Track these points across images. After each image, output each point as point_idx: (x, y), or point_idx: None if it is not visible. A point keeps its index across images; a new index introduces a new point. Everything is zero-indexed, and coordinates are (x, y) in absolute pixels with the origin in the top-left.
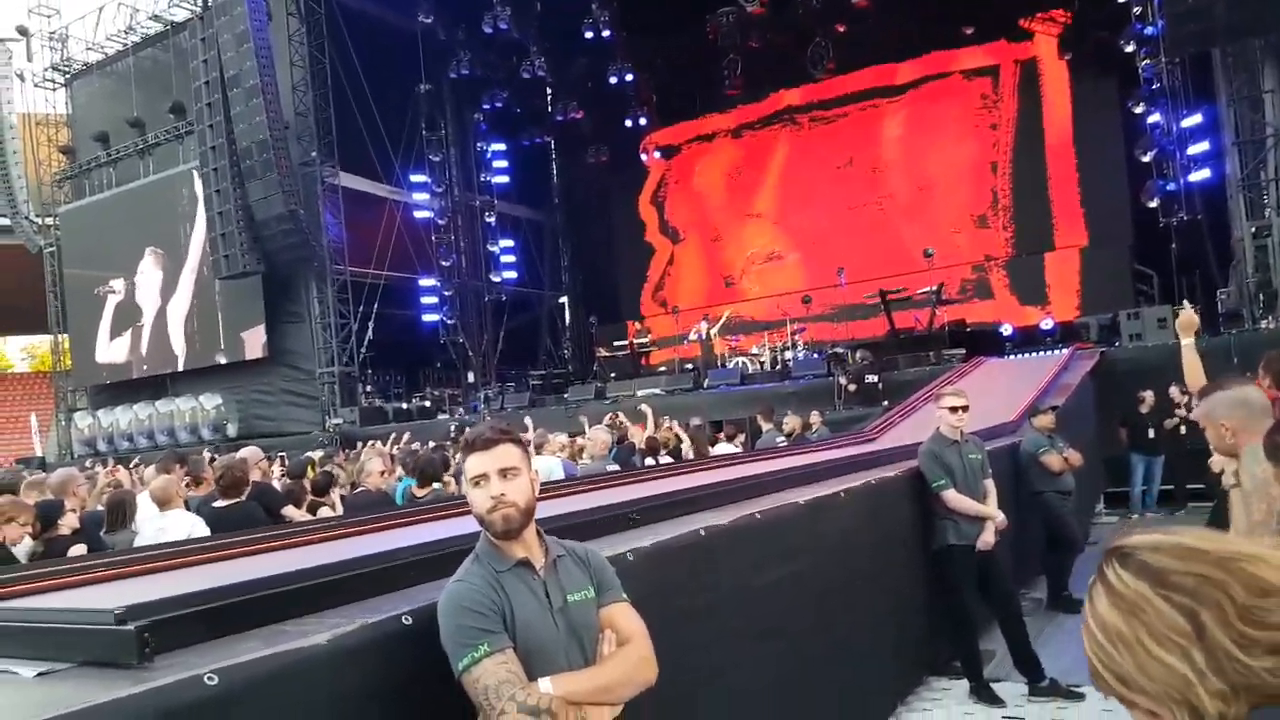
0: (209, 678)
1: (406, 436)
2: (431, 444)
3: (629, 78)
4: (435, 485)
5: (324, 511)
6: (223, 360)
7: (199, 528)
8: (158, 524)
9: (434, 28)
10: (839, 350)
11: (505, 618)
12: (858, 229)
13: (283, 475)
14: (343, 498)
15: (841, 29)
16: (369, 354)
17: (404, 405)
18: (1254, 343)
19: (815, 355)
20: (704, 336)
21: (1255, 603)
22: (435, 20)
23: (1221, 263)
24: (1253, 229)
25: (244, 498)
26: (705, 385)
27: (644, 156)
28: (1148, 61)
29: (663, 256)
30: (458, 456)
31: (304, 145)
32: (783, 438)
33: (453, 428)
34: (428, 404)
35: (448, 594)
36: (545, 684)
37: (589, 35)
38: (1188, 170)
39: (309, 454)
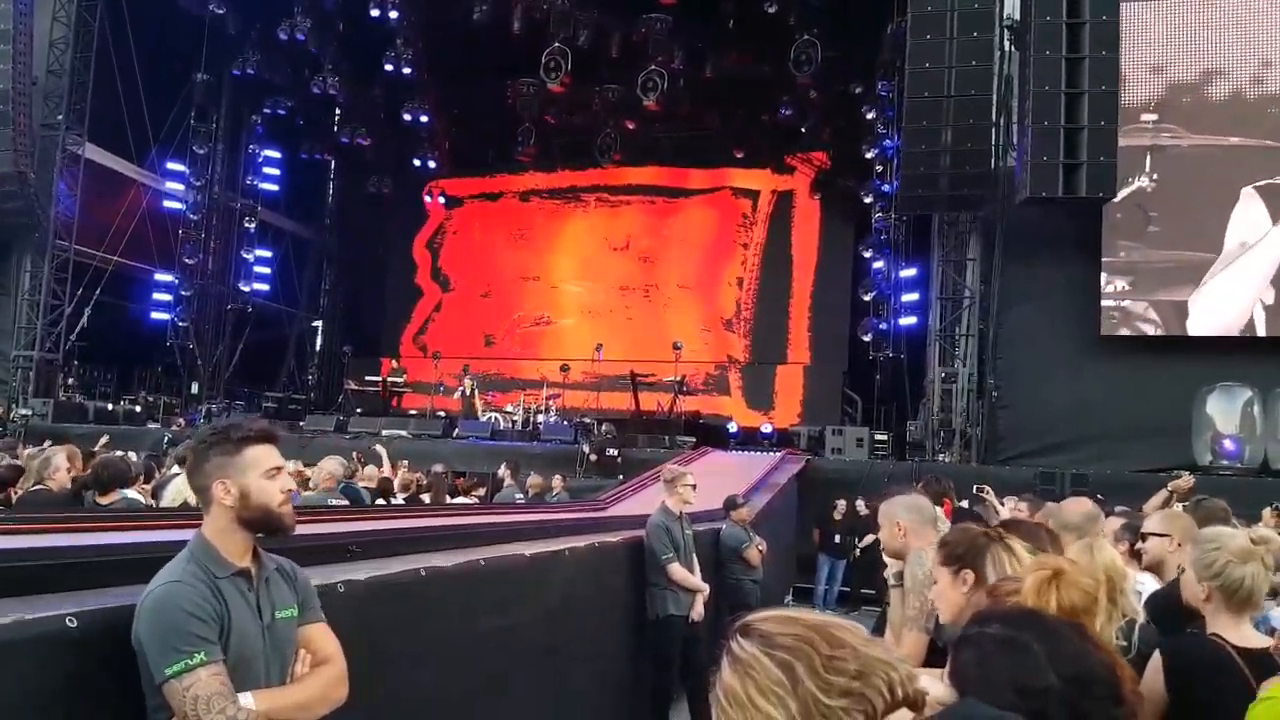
0: None
1: (104, 440)
2: (145, 454)
3: (424, 119)
4: (123, 492)
5: None
6: None
7: None
8: None
9: (225, 20)
10: (587, 421)
11: (223, 627)
12: (623, 309)
13: None
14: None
15: (631, 125)
16: (79, 344)
17: (110, 406)
18: (931, 470)
19: (565, 422)
20: (467, 393)
21: (834, 653)
22: (228, 13)
23: (914, 399)
24: (942, 374)
25: None
26: (455, 435)
27: (427, 199)
28: (880, 215)
29: (430, 302)
30: (212, 449)
31: (51, 106)
32: (521, 495)
33: (166, 438)
34: (138, 409)
35: (164, 593)
36: (247, 699)
37: (389, 68)
38: (899, 314)
39: None
